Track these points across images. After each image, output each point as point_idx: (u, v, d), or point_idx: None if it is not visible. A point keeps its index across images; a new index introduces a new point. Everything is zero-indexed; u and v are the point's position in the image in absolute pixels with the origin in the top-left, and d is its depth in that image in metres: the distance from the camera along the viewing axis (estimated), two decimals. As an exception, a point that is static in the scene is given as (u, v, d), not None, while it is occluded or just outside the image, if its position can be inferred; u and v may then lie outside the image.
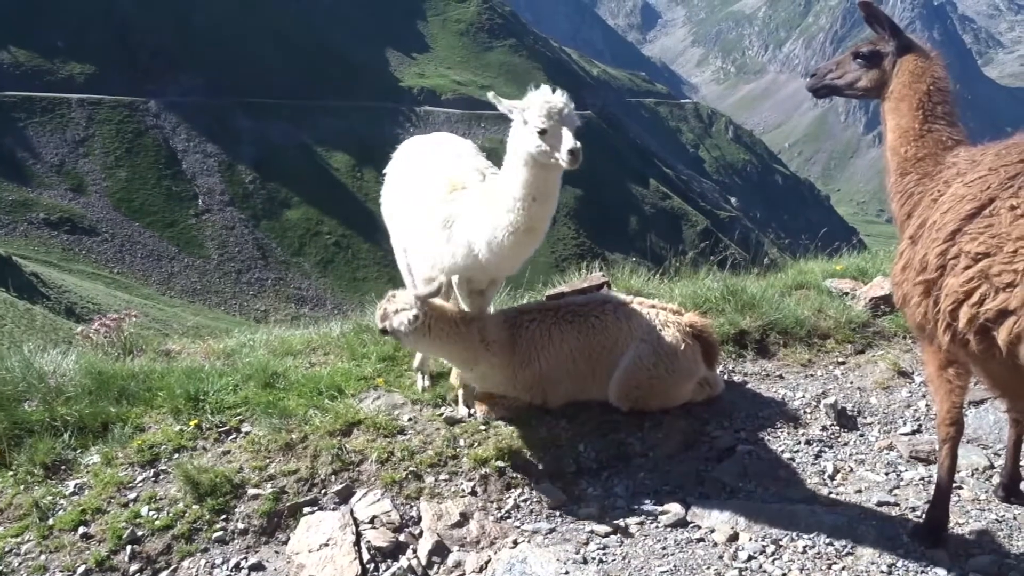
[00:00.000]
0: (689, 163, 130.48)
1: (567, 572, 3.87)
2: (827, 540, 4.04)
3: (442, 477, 4.67)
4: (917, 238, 3.60)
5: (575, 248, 73.19)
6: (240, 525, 4.34)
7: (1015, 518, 4.22)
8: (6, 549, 4.12)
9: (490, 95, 4.48)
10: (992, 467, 4.67)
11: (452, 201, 4.66)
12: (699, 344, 5.17)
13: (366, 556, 4.13)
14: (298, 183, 74.24)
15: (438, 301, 4.82)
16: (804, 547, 4.02)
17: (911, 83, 4.02)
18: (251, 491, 4.49)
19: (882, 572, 3.84)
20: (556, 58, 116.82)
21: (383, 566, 4.10)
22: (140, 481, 4.58)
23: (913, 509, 4.32)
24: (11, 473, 4.59)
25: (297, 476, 4.61)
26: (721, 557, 4.01)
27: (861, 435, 5.15)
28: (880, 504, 4.37)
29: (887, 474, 4.69)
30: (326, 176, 76.47)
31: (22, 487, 4.50)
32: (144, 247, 67.45)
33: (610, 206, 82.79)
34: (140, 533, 4.24)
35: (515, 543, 4.23)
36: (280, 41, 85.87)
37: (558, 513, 4.49)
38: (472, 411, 5.18)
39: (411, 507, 4.48)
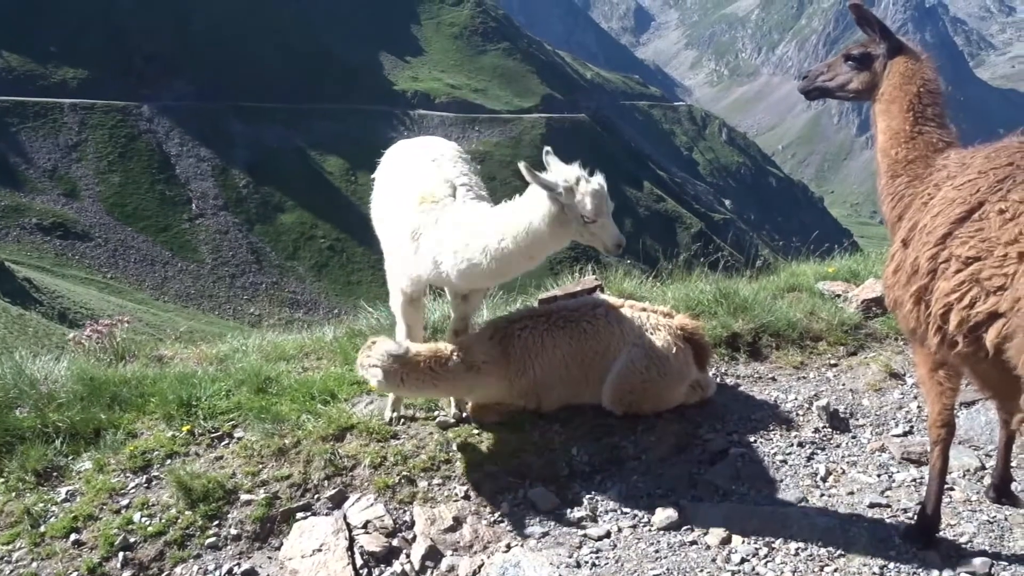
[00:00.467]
0: (683, 165, 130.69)
1: (560, 576, 3.87)
2: (819, 542, 4.05)
3: (435, 481, 4.67)
4: (908, 241, 3.61)
5: (569, 251, 72.65)
6: (233, 531, 4.33)
7: (1006, 519, 4.23)
8: (-3, 556, 4.11)
9: (522, 166, 4.30)
10: (983, 468, 4.68)
11: (421, 212, 4.57)
12: (691, 347, 5.18)
13: (359, 561, 4.12)
14: (292, 187, 74.19)
15: (413, 348, 4.75)
16: (797, 549, 4.03)
17: (902, 85, 4.03)
18: (244, 497, 4.48)
19: (874, 574, 3.85)
20: (550, 61, 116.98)
21: (376, 571, 4.10)
22: (132, 487, 4.56)
23: (905, 510, 4.33)
24: (2, 480, 4.58)
25: (290, 481, 4.60)
26: (714, 560, 4.02)
27: (853, 437, 5.16)
28: (872, 506, 4.38)
29: (879, 476, 4.70)
30: (320, 180, 76.42)
31: (13, 494, 4.49)
32: (137, 252, 67.30)
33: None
34: (132, 540, 4.23)
35: (508, 547, 4.23)
36: (274, 45, 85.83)
37: (551, 517, 4.48)
38: (465, 415, 5.18)
39: (404, 512, 4.48)
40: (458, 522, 4.38)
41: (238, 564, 4.17)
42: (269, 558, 4.23)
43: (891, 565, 3.89)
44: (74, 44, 75.40)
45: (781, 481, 4.70)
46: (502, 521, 4.45)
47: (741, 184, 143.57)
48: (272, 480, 4.60)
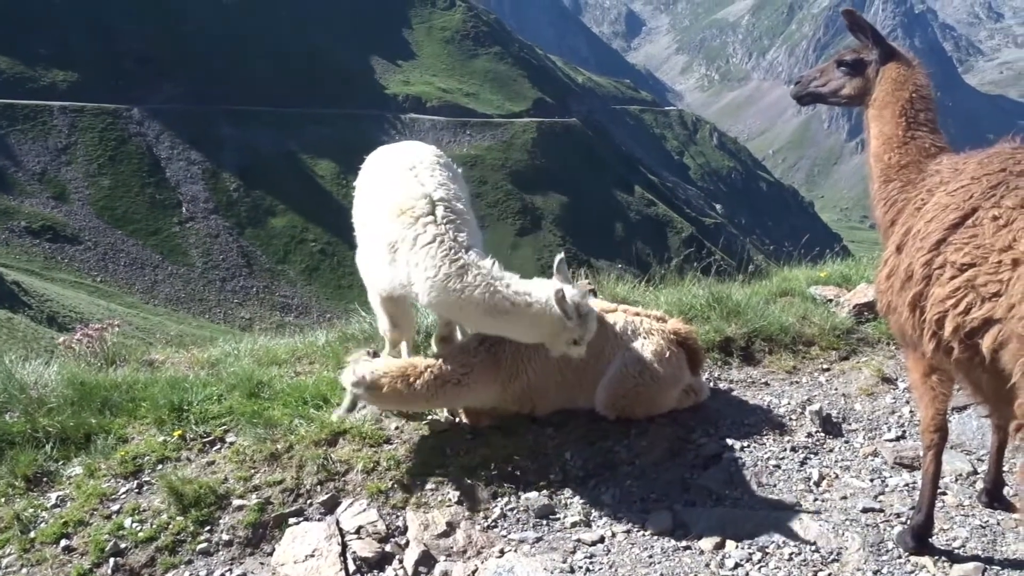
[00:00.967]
0: (674, 170, 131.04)
1: (554, 581, 3.86)
2: (813, 547, 4.06)
3: (428, 486, 4.65)
4: (902, 246, 3.62)
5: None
6: (225, 536, 4.31)
7: (999, 524, 4.24)
8: (-14, 563, 4.07)
9: (556, 306, 4.40)
10: (976, 473, 4.70)
11: (400, 226, 4.50)
12: (684, 351, 5.19)
13: (352, 567, 4.10)
14: (283, 191, 74.05)
15: (380, 369, 4.69)
16: (790, 554, 4.03)
17: (894, 91, 4.05)
18: (236, 502, 4.46)
19: (868, 579, 3.85)
20: (541, 65, 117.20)
21: (369, 577, 4.08)
22: (123, 493, 4.53)
23: (898, 515, 4.34)
24: (-8, 485, 4.54)
25: (282, 486, 4.58)
26: (708, 565, 4.02)
27: (846, 441, 5.17)
28: (865, 510, 4.39)
29: (872, 480, 4.70)
30: (311, 184, 76.28)
31: (3, 500, 4.46)
32: (127, 255, 67.00)
33: (596, 213, 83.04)
34: (123, 545, 4.20)
35: (502, 552, 4.22)
36: (265, 48, 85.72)
37: (545, 522, 4.47)
38: (458, 419, 5.16)
39: (397, 517, 4.46)
40: (451, 527, 4.36)
41: (230, 570, 4.15)
42: (261, 564, 4.21)
43: (884, 570, 3.89)
44: (64, 46, 75.08)
45: (774, 486, 4.70)
46: (495, 526, 4.44)
47: (732, 189, 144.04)
48: (264, 485, 4.57)
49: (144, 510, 4.40)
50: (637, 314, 5.22)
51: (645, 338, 5.04)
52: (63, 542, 4.21)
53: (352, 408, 4.88)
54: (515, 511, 4.52)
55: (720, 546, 4.14)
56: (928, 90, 4.07)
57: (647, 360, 4.96)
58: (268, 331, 8.05)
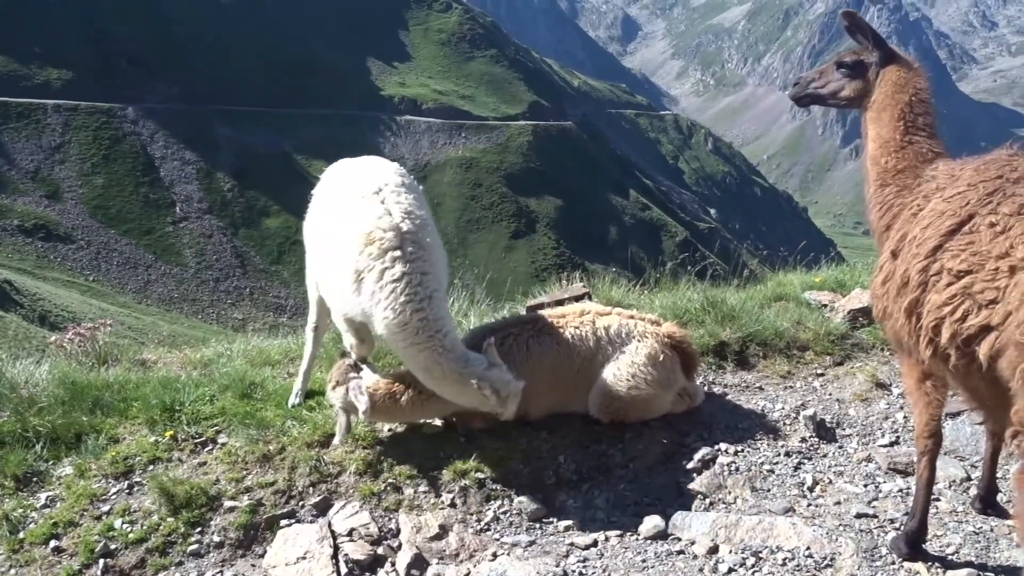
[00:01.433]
0: (669, 174, 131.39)
1: (547, 585, 3.84)
2: (806, 552, 4.04)
3: (421, 489, 4.63)
4: (898, 252, 3.61)
5: (555, 258, 73.45)
6: (216, 538, 4.28)
7: (992, 530, 4.24)
8: (-25, 563, 4.04)
9: (473, 382, 4.43)
10: (969, 479, 4.69)
11: (367, 256, 4.44)
12: (678, 355, 5.17)
13: (344, 569, 4.08)
14: (277, 191, 73.98)
15: (372, 386, 4.72)
16: (784, 559, 4.02)
17: (893, 93, 4.05)
18: (227, 503, 4.43)
19: (861, 584, 3.85)
20: (537, 69, 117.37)
21: (361, 579, 4.06)
22: (114, 493, 4.50)
23: (892, 521, 4.33)
24: (-19, 485, 4.50)
25: (274, 488, 4.55)
26: (701, 570, 4.00)
27: (840, 447, 5.16)
28: (859, 516, 4.38)
29: (866, 486, 4.70)
30: (306, 184, 74.98)
31: (-8, 499, 4.41)
32: (120, 255, 66.87)
33: (590, 216, 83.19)
34: (113, 547, 4.17)
35: (495, 555, 4.20)
36: (260, 49, 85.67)
37: (538, 525, 4.46)
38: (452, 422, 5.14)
39: (390, 519, 4.44)
40: (444, 530, 4.34)
41: (221, 572, 4.12)
42: (252, 566, 4.18)
43: (878, 575, 3.89)
44: (58, 45, 74.94)
45: (768, 491, 4.70)
46: (488, 529, 4.42)
47: (726, 193, 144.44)
48: (256, 487, 4.55)
49: (135, 511, 4.37)
50: (631, 317, 5.21)
51: (639, 341, 5.03)
52: (52, 543, 4.18)
53: (349, 429, 4.89)
54: (508, 514, 4.51)
55: (713, 551, 4.13)
56: (928, 94, 4.06)
57: (641, 364, 4.95)
58: (261, 332, 8.03)
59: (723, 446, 5.07)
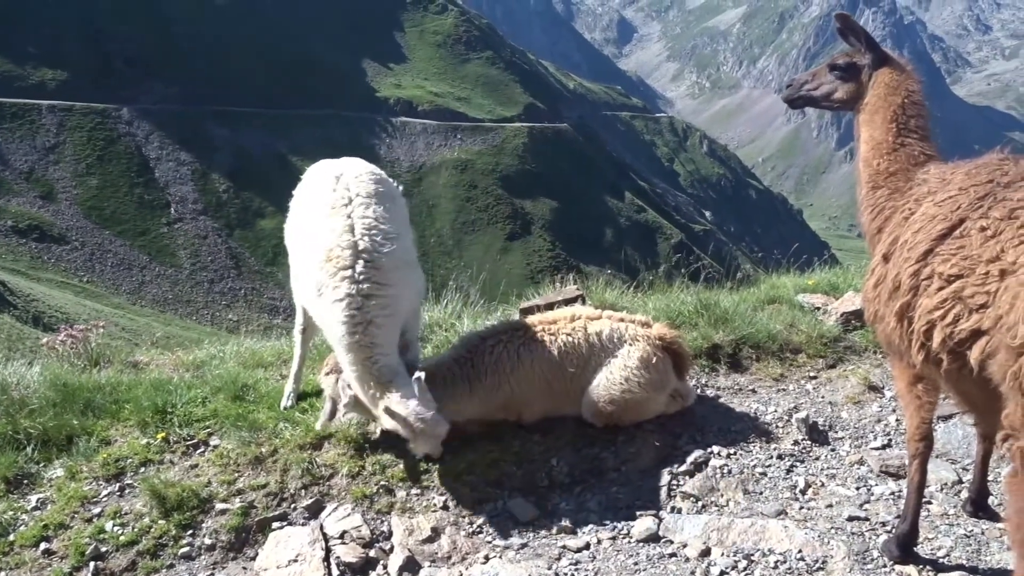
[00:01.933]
0: (664, 176, 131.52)
1: (539, 588, 3.84)
2: (798, 555, 4.05)
3: (413, 491, 4.63)
4: (889, 256, 3.62)
5: (550, 260, 73.48)
6: (207, 541, 4.27)
7: (983, 533, 4.24)
8: (-36, 566, 4.02)
9: (384, 409, 4.44)
10: (961, 482, 4.70)
11: (325, 273, 4.52)
12: (669, 356, 5.17)
13: (336, 572, 4.07)
14: (273, 192, 73.73)
15: None
16: (775, 562, 4.02)
17: (886, 96, 4.05)
18: (219, 506, 4.42)
19: (853, 587, 3.85)
20: (533, 71, 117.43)
21: (353, 582, 4.05)
22: (105, 496, 4.49)
23: (883, 524, 4.34)
24: (-29, 487, 4.48)
25: (266, 490, 4.54)
26: (693, 572, 4.00)
27: (832, 449, 5.17)
28: (851, 519, 4.39)
29: (858, 489, 4.70)
30: (301, 186, 75.97)
31: (-18, 502, 4.39)
32: (115, 256, 66.71)
33: (585, 218, 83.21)
34: (104, 549, 4.16)
35: (487, 558, 4.20)
36: (256, 50, 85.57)
37: (530, 528, 4.45)
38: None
39: (382, 522, 4.43)
40: (436, 533, 4.34)
41: (212, 574, 4.11)
42: (244, 568, 4.17)
43: (869, 578, 3.89)
44: (53, 45, 74.76)
45: (761, 493, 4.70)
46: (481, 532, 4.42)
47: (721, 196, 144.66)
48: (248, 489, 4.54)
49: (126, 513, 4.36)
50: (622, 320, 5.21)
51: (631, 345, 5.03)
52: (43, 545, 4.16)
53: (333, 416, 4.90)
54: (500, 517, 4.50)
55: (706, 553, 4.13)
56: (920, 96, 4.07)
57: (633, 367, 4.94)
58: (255, 333, 8.02)
59: (716, 449, 5.07)
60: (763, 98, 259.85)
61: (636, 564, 4.10)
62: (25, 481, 4.59)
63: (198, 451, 4.85)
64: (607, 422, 5.03)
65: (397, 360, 4.58)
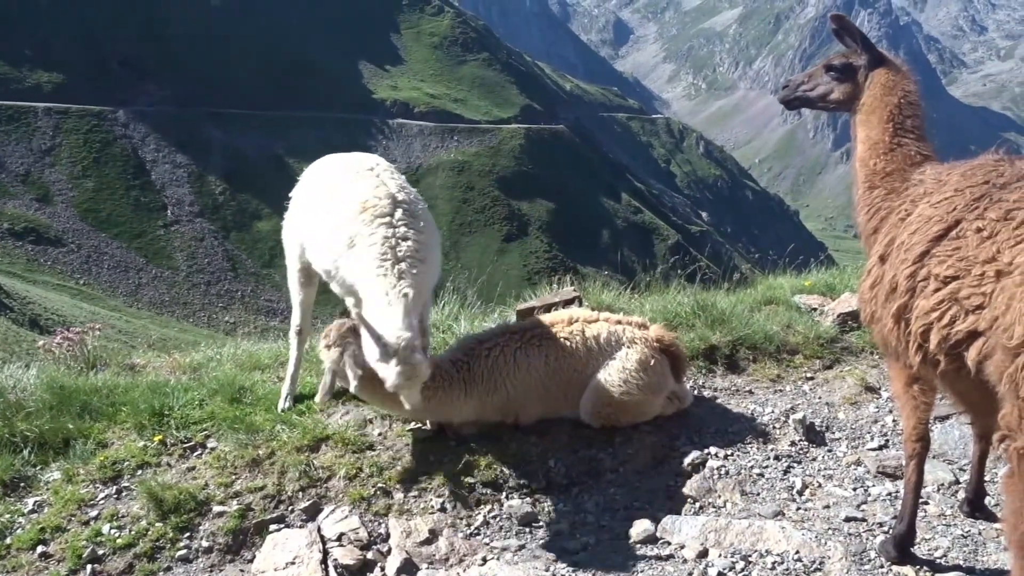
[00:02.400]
0: (661, 178, 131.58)
1: (536, 590, 3.84)
2: (796, 556, 4.05)
3: (411, 493, 4.63)
4: (886, 257, 3.63)
5: (547, 261, 73.44)
6: (204, 543, 4.27)
7: (980, 533, 4.25)
8: (-39, 569, 4.02)
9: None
10: (958, 482, 4.71)
11: (361, 222, 4.56)
12: (666, 357, 5.17)
13: (333, 574, 4.07)
14: (269, 194, 73.62)
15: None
16: (773, 563, 4.02)
17: (882, 96, 4.06)
18: (216, 508, 4.42)
19: (850, 588, 3.85)
20: (529, 72, 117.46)
21: (350, 584, 4.05)
22: (102, 498, 4.48)
23: (880, 524, 4.34)
24: (-33, 490, 4.47)
25: (263, 493, 4.54)
26: (691, 574, 4.01)
27: (829, 450, 5.17)
28: (848, 519, 4.39)
29: (855, 489, 4.71)
30: (298, 188, 75.88)
31: (-21, 505, 4.39)
32: (111, 258, 66.59)
33: (582, 220, 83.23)
34: (101, 552, 4.15)
35: (484, 560, 4.19)
36: (252, 52, 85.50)
37: (528, 529, 4.45)
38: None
39: (379, 524, 4.43)
40: (434, 535, 4.34)
41: (209, 577, 4.11)
42: (241, 571, 4.17)
43: (867, 579, 3.89)
44: (49, 48, 74.64)
45: (758, 494, 4.70)
46: (478, 534, 4.42)
47: (718, 197, 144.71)
48: (245, 491, 4.53)
49: (123, 516, 4.36)
50: (619, 322, 5.21)
51: (629, 347, 5.03)
52: (40, 548, 4.16)
53: (333, 389, 4.95)
54: (498, 518, 4.51)
55: (703, 554, 4.13)
56: (916, 96, 4.08)
57: (631, 370, 4.95)
58: (252, 335, 8.01)
59: (713, 450, 5.08)
60: (759, 99, 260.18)
61: (634, 565, 4.10)
62: (22, 484, 4.58)
63: (195, 453, 4.84)
64: (604, 424, 5.03)
65: (418, 314, 4.47)
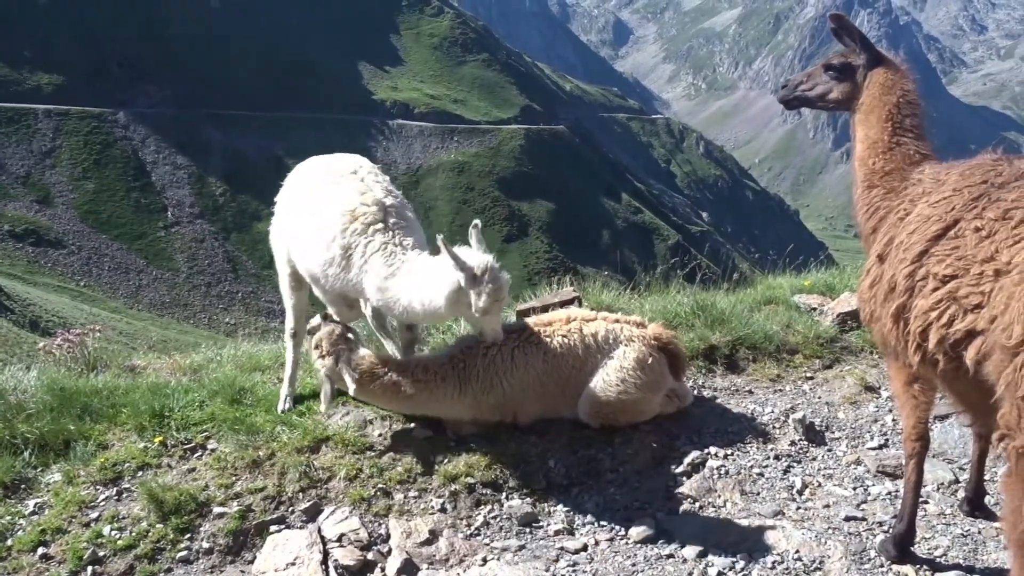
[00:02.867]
0: (661, 178, 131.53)
1: (537, 590, 3.84)
2: (796, 555, 4.06)
3: (411, 494, 4.63)
4: (884, 256, 3.63)
5: (547, 262, 73.44)
6: (205, 544, 4.27)
7: (980, 532, 4.26)
8: (-38, 571, 4.02)
9: (439, 240, 4.27)
10: (957, 481, 4.71)
11: (352, 233, 4.62)
12: (665, 356, 5.17)
13: (333, 575, 4.07)
14: (269, 196, 72.27)
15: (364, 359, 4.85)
16: (773, 563, 4.03)
17: (881, 95, 4.06)
18: (217, 509, 4.42)
19: (850, 587, 3.86)
20: (529, 73, 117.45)
21: (351, 585, 4.05)
22: (102, 500, 4.49)
23: (880, 524, 4.35)
24: (-32, 492, 4.48)
25: (264, 494, 4.54)
26: (691, 573, 4.01)
27: (829, 450, 5.18)
28: (848, 519, 4.40)
29: (855, 489, 4.71)
30: (298, 189, 75.83)
31: (-20, 507, 4.39)
32: (112, 260, 66.59)
33: (583, 220, 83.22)
34: (102, 553, 4.16)
35: (484, 560, 4.20)
36: (252, 53, 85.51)
37: (528, 530, 4.46)
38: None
39: (380, 524, 4.43)
40: (434, 535, 4.34)
41: (210, 578, 4.11)
42: (242, 572, 4.18)
43: (866, 578, 3.89)
44: (48, 49, 74.66)
45: (758, 494, 4.71)
46: (478, 534, 4.43)
47: (718, 197, 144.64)
48: (246, 493, 4.54)
49: (123, 518, 4.36)
50: (617, 321, 5.21)
51: (627, 346, 5.03)
52: (40, 550, 4.16)
53: (334, 397, 4.97)
54: (498, 519, 4.51)
55: (703, 555, 4.14)
56: (915, 95, 4.08)
57: (629, 368, 4.95)
58: (252, 337, 8.01)
59: (713, 450, 5.08)
60: (759, 99, 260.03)
61: (634, 565, 4.10)
62: (22, 486, 4.59)
63: (195, 455, 4.85)
64: (604, 423, 5.04)
65: None
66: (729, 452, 5.08)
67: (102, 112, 74.05)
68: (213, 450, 4.85)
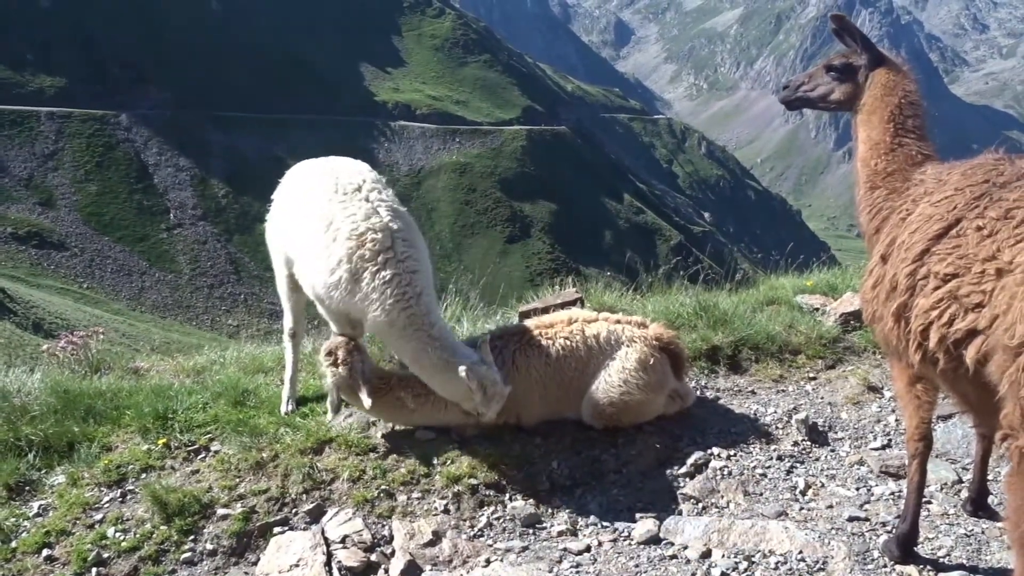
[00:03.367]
0: (663, 178, 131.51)
1: (540, 591, 3.85)
2: (799, 556, 4.06)
3: (415, 495, 4.63)
4: (887, 256, 3.63)
5: (549, 263, 73.45)
6: (209, 546, 4.28)
7: (983, 532, 4.25)
8: (-33, 573, 4.03)
9: (462, 371, 4.50)
10: (961, 481, 4.71)
11: (360, 258, 4.57)
12: (667, 356, 5.17)
13: (337, 576, 4.08)
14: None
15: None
16: (776, 563, 4.02)
17: (883, 96, 4.06)
18: (220, 511, 4.43)
19: (853, 588, 3.85)
20: (531, 73, 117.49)
21: (354, 586, 4.06)
22: (106, 502, 4.50)
23: (883, 524, 4.35)
24: (-27, 495, 4.49)
25: (267, 495, 4.55)
26: (694, 574, 4.01)
27: (832, 450, 5.18)
28: (851, 519, 4.40)
29: (858, 489, 4.71)
30: (300, 190, 75.90)
31: (-16, 509, 4.40)
32: (114, 262, 66.70)
33: (585, 221, 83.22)
34: (106, 555, 4.16)
35: (488, 561, 4.20)
36: (253, 55, 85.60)
37: (531, 531, 4.46)
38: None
39: (383, 526, 4.44)
40: (437, 536, 4.34)
41: (214, 580, 4.12)
42: (246, 573, 4.18)
43: (870, 579, 3.89)
44: (49, 52, 74.78)
45: (761, 494, 4.71)
46: (482, 535, 4.43)
47: (720, 197, 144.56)
48: (249, 494, 4.54)
49: (127, 519, 4.37)
50: (618, 321, 5.21)
51: (628, 347, 5.03)
52: (45, 552, 4.17)
53: (341, 406, 5.01)
54: (501, 520, 4.51)
55: (706, 555, 4.14)
56: (917, 96, 4.08)
57: (631, 369, 4.95)
58: (256, 338, 8.02)
59: (716, 450, 5.08)
60: (761, 99, 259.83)
61: (637, 566, 4.10)
62: (27, 488, 4.60)
63: (199, 457, 4.86)
64: (607, 424, 5.04)
65: (448, 328, 4.74)
66: (732, 453, 5.08)
67: (104, 114, 74.19)
68: (217, 452, 4.86)
